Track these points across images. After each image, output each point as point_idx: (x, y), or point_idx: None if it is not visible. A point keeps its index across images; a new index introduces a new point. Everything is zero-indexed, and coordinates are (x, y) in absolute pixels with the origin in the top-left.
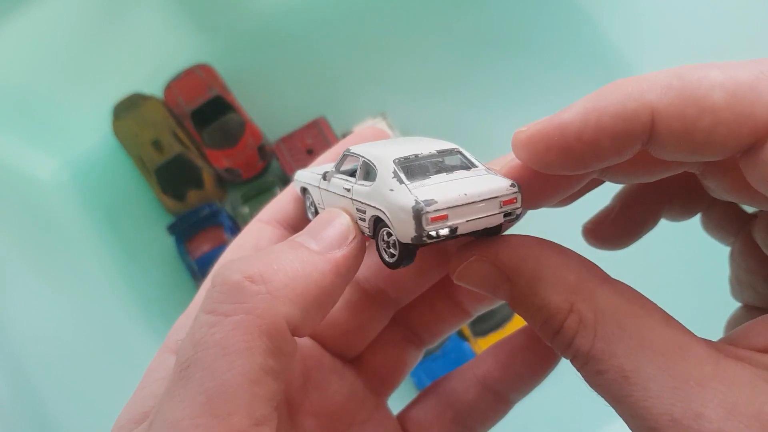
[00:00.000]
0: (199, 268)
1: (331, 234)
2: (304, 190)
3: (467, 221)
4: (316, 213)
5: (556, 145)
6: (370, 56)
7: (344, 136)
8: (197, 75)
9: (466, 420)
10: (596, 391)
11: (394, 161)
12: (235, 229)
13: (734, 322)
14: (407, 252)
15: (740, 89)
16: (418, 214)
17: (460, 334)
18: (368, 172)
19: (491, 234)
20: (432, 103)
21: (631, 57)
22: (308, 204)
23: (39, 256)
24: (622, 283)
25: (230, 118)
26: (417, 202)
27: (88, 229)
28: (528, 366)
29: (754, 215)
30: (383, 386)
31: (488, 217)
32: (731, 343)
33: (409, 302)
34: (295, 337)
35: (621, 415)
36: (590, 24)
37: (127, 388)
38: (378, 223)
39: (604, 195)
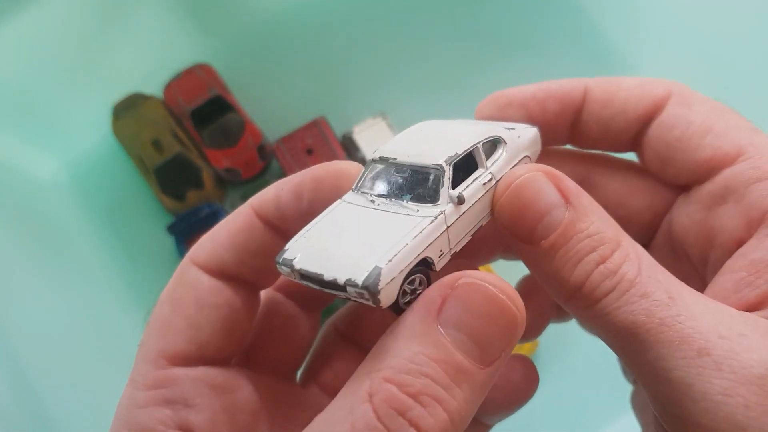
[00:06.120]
0: None
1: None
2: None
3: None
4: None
5: (515, 100)
6: (370, 56)
7: (344, 136)
8: (197, 75)
9: None
10: (629, 321)
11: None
12: None
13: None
14: None
15: (647, 80)
16: None
17: None
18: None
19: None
20: (432, 103)
21: (631, 56)
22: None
23: (38, 256)
24: None
25: (230, 117)
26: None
27: (87, 229)
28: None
29: None
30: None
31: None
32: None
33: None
34: None
35: (657, 352)
36: (591, 23)
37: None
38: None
39: None
